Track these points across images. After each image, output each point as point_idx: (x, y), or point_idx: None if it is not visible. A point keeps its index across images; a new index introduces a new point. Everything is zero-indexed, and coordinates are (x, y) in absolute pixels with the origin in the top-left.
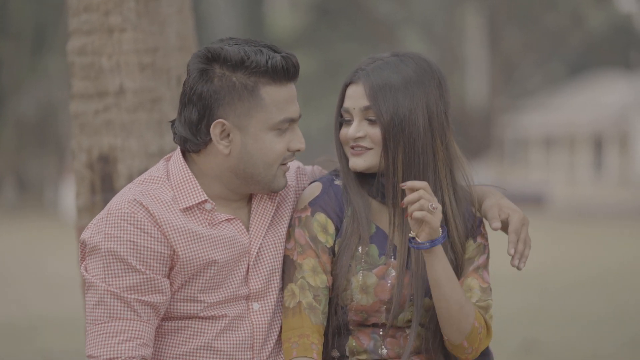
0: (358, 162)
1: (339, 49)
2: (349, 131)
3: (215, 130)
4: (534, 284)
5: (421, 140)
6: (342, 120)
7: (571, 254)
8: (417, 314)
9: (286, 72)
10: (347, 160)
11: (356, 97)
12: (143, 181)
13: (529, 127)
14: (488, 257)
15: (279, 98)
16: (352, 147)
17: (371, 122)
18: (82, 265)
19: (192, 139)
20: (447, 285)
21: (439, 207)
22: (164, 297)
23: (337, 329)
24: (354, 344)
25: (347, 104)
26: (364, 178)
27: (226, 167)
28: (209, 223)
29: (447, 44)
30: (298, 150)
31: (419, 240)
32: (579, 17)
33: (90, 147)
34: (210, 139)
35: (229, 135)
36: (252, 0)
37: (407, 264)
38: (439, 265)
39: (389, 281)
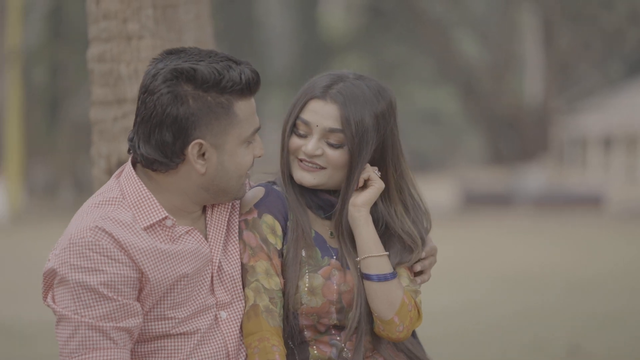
0: (307, 178)
1: (391, 51)
2: (308, 147)
3: (192, 151)
4: (590, 287)
5: (379, 166)
6: (294, 130)
7: (630, 256)
8: (363, 311)
9: (255, 85)
10: (289, 168)
11: (323, 116)
12: (99, 204)
13: (587, 127)
14: (417, 257)
15: (249, 111)
16: (302, 161)
17: (331, 144)
18: (48, 296)
19: (164, 160)
20: (375, 251)
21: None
22: (138, 320)
23: (295, 342)
24: (315, 353)
25: (310, 118)
26: (302, 187)
27: (198, 184)
28: (170, 239)
29: (501, 44)
30: (259, 156)
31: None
32: (636, 15)
33: (109, 154)
34: (183, 160)
35: (204, 154)
36: (307, 2)
37: (347, 265)
38: (365, 230)
39: (334, 281)
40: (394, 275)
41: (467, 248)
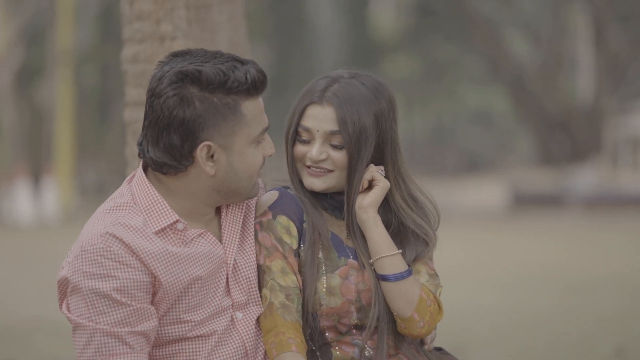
0: (316, 183)
1: (441, 50)
2: (312, 153)
3: (201, 153)
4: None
5: (378, 163)
6: (297, 138)
7: None
8: (382, 309)
9: (261, 84)
10: (298, 176)
11: (322, 120)
12: (110, 209)
13: (638, 128)
14: (433, 250)
15: (256, 111)
16: (309, 167)
17: (334, 146)
18: (63, 305)
19: (174, 163)
20: (387, 250)
21: (382, 167)
22: (154, 323)
23: (316, 344)
24: (338, 354)
25: (310, 124)
26: (316, 192)
27: (208, 186)
28: (182, 242)
29: (551, 44)
30: (270, 155)
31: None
32: None
33: None
34: (193, 162)
35: (213, 156)
36: (357, 2)
37: (364, 264)
38: (375, 231)
39: (352, 281)
40: (409, 272)
41: (514, 249)
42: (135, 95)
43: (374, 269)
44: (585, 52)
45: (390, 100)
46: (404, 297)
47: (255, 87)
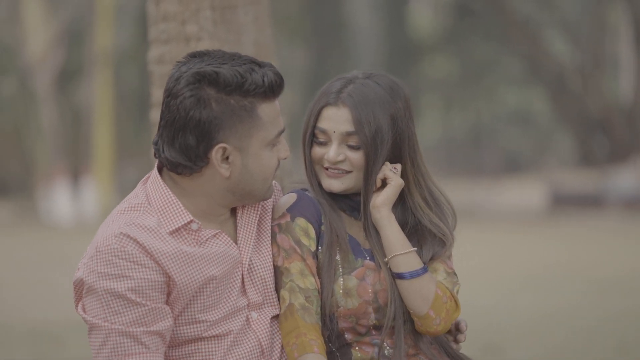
0: (335, 184)
1: (480, 50)
2: (330, 154)
3: (216, 155)
4: None
5: (396, 161)
6: (314, 140)
7: None
8: (399, 307)
9: (278, 87)
10: (317, 178)
11: (338, 121)
12: (124, 210)
13: None
14: (450, 249)
15: (272, 114)
16: (327, 169)
17: (351, 147)
18: (79, 306)
19: (188, 164)
20: (401, 248)
21: (399, 165)
22: (169, 323)
23: (335, 345)
24: (358, 355)
25: (326, 126)
26: (333, 193)
27: (223, 187)
28: (196, 242)
29: (590, 44)
30: (285, 158)
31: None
32: None
33: None
34: (207, 163)
35: (228, 158)
36: (395, 2)
37: (380, 265)
38: (389, 230)
39: (369, 281)
40: (425, 269)
41: (553, 250)
42: (161, 96)
43: (389, 268)
44: (625, 52)
45: (406, 99)
46: (420, 294)
47: (272, 90)
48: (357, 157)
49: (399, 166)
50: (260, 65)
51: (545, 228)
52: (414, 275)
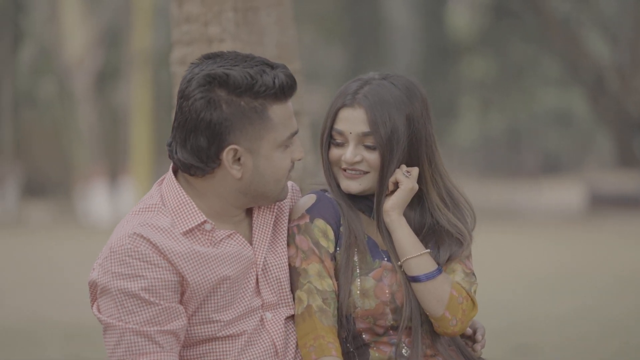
0: (353, 185)
1: (517, 51)
2: (347, 155)
3: (227, 156)
4: None
5: (414, 162)
6: (331, 141)
7: None
8: (414, 307)
9: (290, 89)
10: (335, 179)
11: (354, 122)
12: (139, 211)
13: None
14: (469, 250)
15: (284, 115)
16: (345, 170)
17: (368, 147)
18: (94, 306)
19: (201, 165)
20: (413, 251)
21: (415, 169)
22: (183, 322)
23: (352, 346)
24: (376, 355)
25: (342, 127)
26: (353, 194)
27: (235, 188)
28: (210, 243)
29: (630, 44)
30: (299, 159)
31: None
32: None
33: None
34: (219, 164)
35: (239, 159)
36: (433, 2)
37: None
38: (400, 233)
39: (386, 282)
40: (439, 271)
41: (591, 251)
42: None
43: (403, 271)
44: None
45: (423, 99)
46: (434, 296)
47: (283, 91)
48: (373, 157)
49: (414, 170)
50: (272, 66)
51: (584, 229)
52: (429, 277)
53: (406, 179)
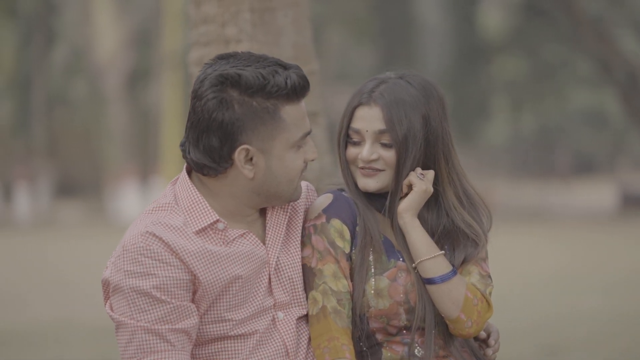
0: (370, 183)
1: (548, 51)
2: (363, 153)
3: (239, 156)
4: None
5: (430, 161)
6: (348, 140)
7: None
8: (428, 308)
9: (302, 89)
10: (353, 178)
11: (370, 120)
12: (152, 210)
13: None
14: (486, 252)
15: (297, 116)
16: (362, 168)
17: (384, 145)
18: (107, 304)
19: (213, 165)
20: (427, 253)
21: (431, 172)
22: (194, 321)
23: (365, 345)
24: (389, 355)
25: (359, 125)
26: (370, 193)
27: (248, 188)
28: (223, 242)
29: None
30: (312, 160)
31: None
32: None
33: None
34: (232, 164)
35: (251, 159)
36: (464, 2)
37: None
38: (413, 236)
39: (400, 282)
40: (454, 272)
41: (622, 252)
42: None
43: (417, 272)
44: None
45: (439, 98)
46: (449, 298)
47: (295, 92)
48: (389, 155)
49: (429, 173)
50: (285, 67)
51: (616, 230)
52: (445, 279)
53: (420, 181)
